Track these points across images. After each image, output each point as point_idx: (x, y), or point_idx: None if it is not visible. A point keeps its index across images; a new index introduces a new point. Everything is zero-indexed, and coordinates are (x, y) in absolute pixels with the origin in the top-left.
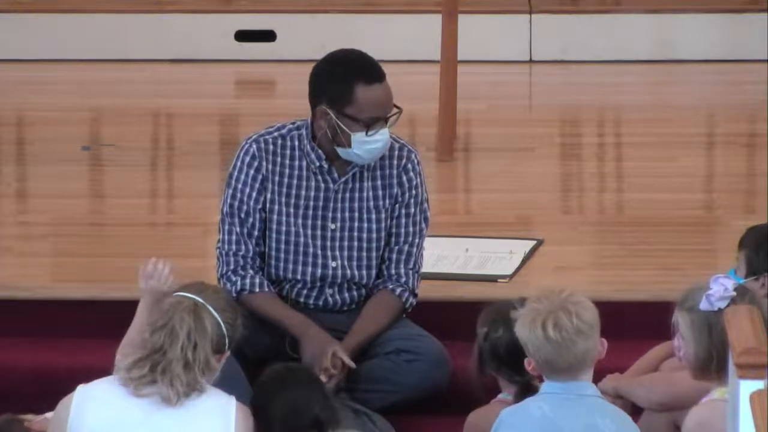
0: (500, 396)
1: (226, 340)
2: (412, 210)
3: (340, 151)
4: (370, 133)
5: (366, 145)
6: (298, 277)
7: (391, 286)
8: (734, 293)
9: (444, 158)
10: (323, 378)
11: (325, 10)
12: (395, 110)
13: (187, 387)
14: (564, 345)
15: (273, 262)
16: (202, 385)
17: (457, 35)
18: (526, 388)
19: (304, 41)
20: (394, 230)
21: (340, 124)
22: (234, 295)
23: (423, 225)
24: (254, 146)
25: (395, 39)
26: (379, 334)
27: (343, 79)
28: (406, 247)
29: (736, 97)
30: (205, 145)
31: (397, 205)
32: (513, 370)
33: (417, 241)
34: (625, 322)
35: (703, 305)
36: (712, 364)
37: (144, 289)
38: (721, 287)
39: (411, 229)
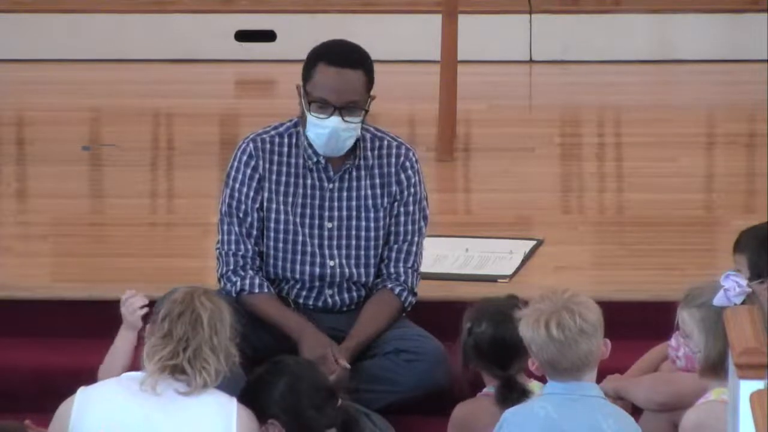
0: (485, 390)
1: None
2: (411, 208)
3: (305, 133)
4: (314, 112)
5: (315, 128)
6: (297, 276)
7: (390, 285)
8: (749, 289)
9: (444, 158)
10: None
11: (325, 10)
12: (360, 108)
13: (216, 373)
14: (567, 345)
15: (271, 261)
16: (225, 373)
17: (457, 35)
18: (509, 383)
19: (304, 41)
20: (393, 228)
21: (303, 100)
22: (234, 295)
23: (422, 223)
24: (251, 145)
25: (395, 39)
26: (380, 333)
27: (313, 56)
28: (405, 246)
29: (736, 97)
30: (205, 145)
31: (395, 204)
32: (495, 365)
33: (416, 239)
34: (625, 322)
35: (719, 301)
36: (726, 361)
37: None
38: (734, 283)
39: (410, 227)
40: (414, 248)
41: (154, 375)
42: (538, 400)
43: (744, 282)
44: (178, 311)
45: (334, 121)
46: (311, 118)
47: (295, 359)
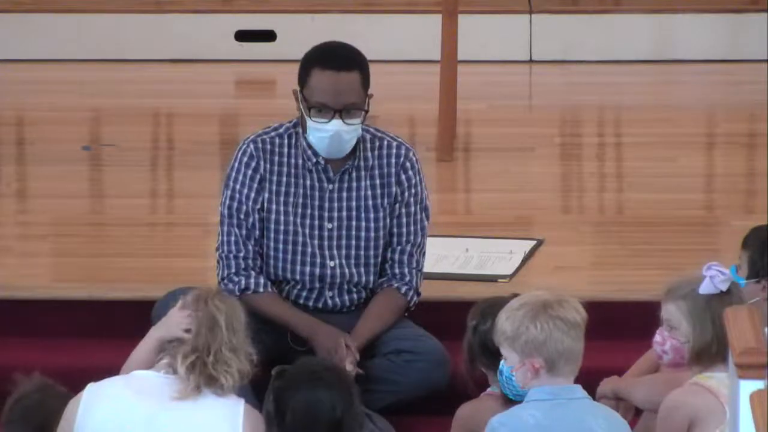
0: (489, 390)
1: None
2: (413, 209)
3: (305, 137)
4: (314, 117)
5: (316, 132)
6: (297, 277)
7: (396, 285)
8: (731, 276)
9: (444, 158)
10: (347, 366)
11: (325, 10)
12: (360, 108)
13: (239, 374)
14: (579, 327)
15: (272, 262)
16: (248, 374)
17: (457, 35)
18: None
19: (304, 41)
20: (395, 230)
21: (301, 105)
22: (237, 294)
23: (425, 223)
24: (252, 146)
25: (395, 39)
26: (385, 331)
27: (307, 61)
28: (408, 247)
29: (736, 97)
30: (205, 145)
31: (397, 205)
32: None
33: (420, 240)
34: (625, 322)
35: (705, 289)
36: (713, 348)
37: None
38: (716, 272)
39: (413, 228)
40: (418, 249)
41: (187, 377)
42: (525, 407)
43: (726, 270)
44: (197, 318)
45: (336, 124)
46: (312, 123)
47: (332, 378)
